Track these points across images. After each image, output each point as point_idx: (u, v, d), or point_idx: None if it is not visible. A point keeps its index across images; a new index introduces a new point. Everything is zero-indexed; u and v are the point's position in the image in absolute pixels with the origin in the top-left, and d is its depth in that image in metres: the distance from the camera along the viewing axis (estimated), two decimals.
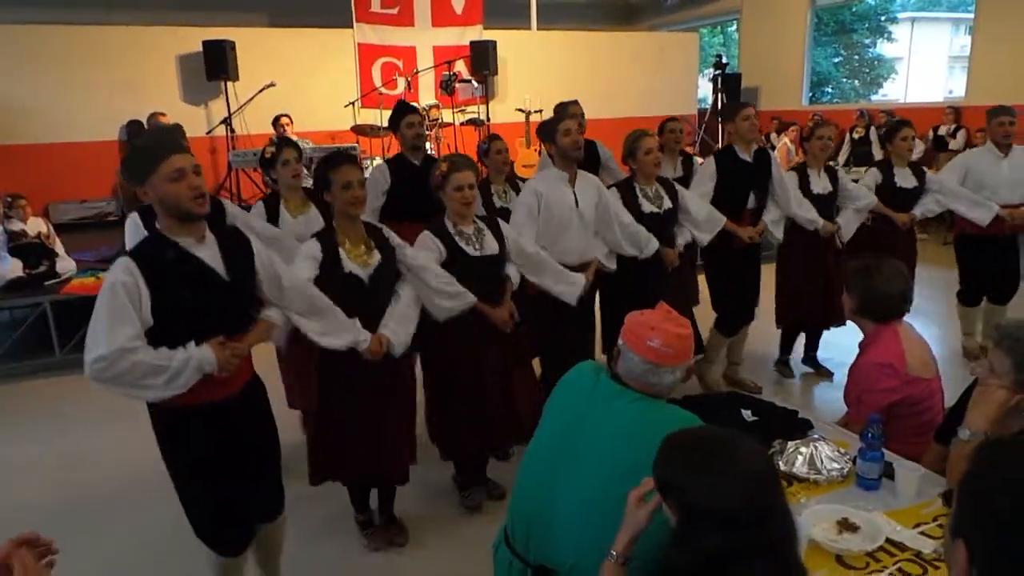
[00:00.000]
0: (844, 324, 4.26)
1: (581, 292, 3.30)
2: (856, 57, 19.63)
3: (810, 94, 13.73)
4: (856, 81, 19.51)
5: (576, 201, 3.42)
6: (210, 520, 2.23)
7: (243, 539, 2.34)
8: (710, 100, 11.38)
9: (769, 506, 1.28)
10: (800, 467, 2.11)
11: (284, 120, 7.54)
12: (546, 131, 3.44)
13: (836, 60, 19.35)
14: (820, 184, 4.19)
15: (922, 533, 1.81)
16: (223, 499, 2.20)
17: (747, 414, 2.38)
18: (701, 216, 3.82)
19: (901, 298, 2.45)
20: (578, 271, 3.38)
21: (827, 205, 4.20)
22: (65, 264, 5.42)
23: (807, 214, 4.08)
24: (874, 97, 18.36)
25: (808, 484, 2.07)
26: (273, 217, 3.43)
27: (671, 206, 3.72)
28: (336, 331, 2.51)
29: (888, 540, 1.77)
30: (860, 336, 2.40)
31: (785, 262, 4.32)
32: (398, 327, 2.69)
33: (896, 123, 4.51)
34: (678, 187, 3.84)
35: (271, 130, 7.79)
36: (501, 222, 3.15)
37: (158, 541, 3.04)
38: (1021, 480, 0.93)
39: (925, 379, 2.32)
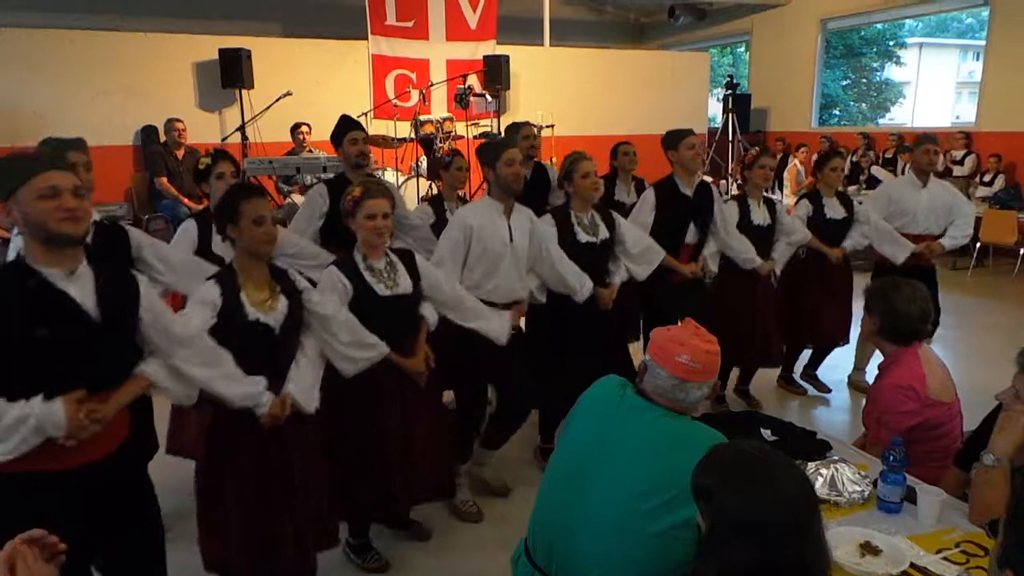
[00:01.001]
0: (776, 364, 4.43)
1: (508, 332, 3.01)
2: (864, 80, 19.75)
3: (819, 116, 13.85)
4: (864, 104, 19.62)
5: (511, 235, 3.13)
6: None
7: None
8: (720, 120, 11.43)
9: (802, 526, 1.28)
10: (821, 488, 2.10)
11: (303, 129, 7.59)
12: (487, 155, 3.13)
13: (844, 83, 19.47)
14: (833, 209, 4.26)
15: (945, 559, 1.80)
16: None
17: (767, 433, 2.38)
18: (637, 249, 3.59)
19: (922, 319, 2.45)
20: (507, 309, 3.12)
21: (767, 236, 4.11)
22: None
23: (745, 252, 3.97)
24: (881, 121, 18.44)
25: (829, 506, 2.07)
26: (205, 238, 2.99)
27: (607, 236, 3.46)
28: (236, 380, 2.15)
29: (912, 565, 1.77)
30: (850, 356, 2.40)
31: (720, 296, 4.12)
32: (305, 384, 2.34)
33: (825, 154, 4.48)
34: (616, 216, 3.59)
35: (285, 137, 7.85)
36: (418, 256, 2.85)
37: None
38: None
39: (945, 403, 2.32)
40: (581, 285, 3.33)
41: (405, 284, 2.70)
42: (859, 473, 2.14)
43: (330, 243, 3.37)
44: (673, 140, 3.79)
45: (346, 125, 3.59)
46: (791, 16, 11.63)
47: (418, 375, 2.72)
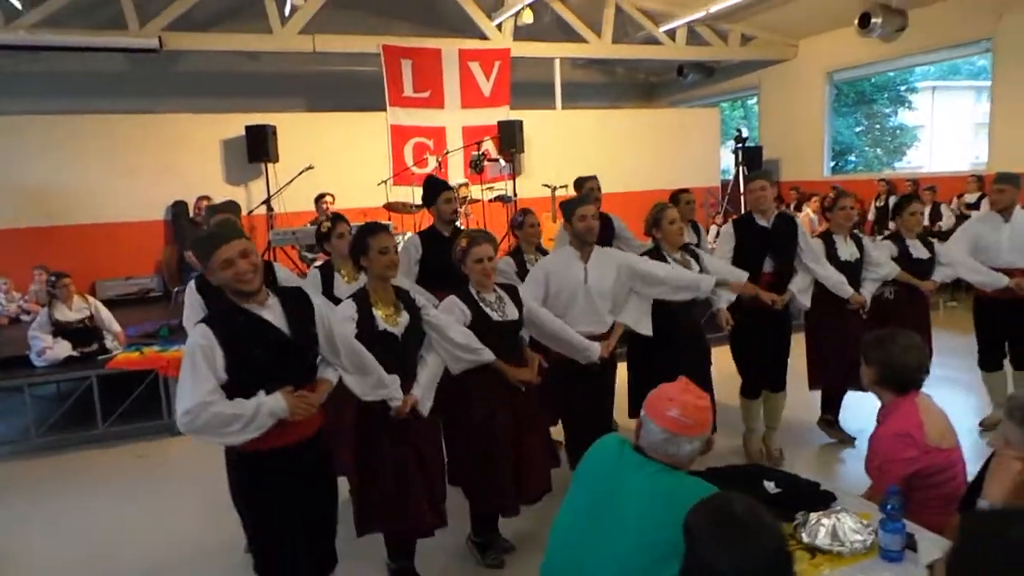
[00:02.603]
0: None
1: (596, 358, 3.46)
2: (878, 126, 19.89)
3: (833, 163, 13.92)
4: (879, 149, 19.71)
5: (585, 277, 3.58)
6: (276, 567, 2.43)
7: None
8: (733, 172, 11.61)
9: None
10: (823, 539, 2.15)
11: (327, 199, 7.88)
12: (566, 211, 3.66)
13: (858, 129, 19.63)
14: (847, 251, 4.31)
15: None
16: (291, 546, 2.41)
17: (770, 486, 2.43)
18: (722, 273, 3.96)
19: (918, 368, 2.51)
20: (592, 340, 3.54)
21: (854, 272, 4.30)
22: (114, 343, 5.65)
23: (837, 279, 4.18)
24: (898, 164, 18.48)
25: (831, 556, 2.11)
26: (328, 283, 3.72)
27: (698, 269, 3.89)
28: (375, 388, 2.72)
29: None
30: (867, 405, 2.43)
31: (813, 327, 4.40)
32: (426, 391, 2.92)
33: (904, 197, 4.63)
34: (699, 251, 4.06)
35: (308, 207, 8.15)
36: (520, 290, 3.38)
37: None
38: (1012, 550, 0.99)
39: (944, 450, 2.36)
40: (700, 282, 3.74)
41: (512, 312, 3.21)
42: (861, 522, 2.18)
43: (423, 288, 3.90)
44: (745, 184, 4.25)
45: (440, 187, 4.28)
46: (798, 70, 11.90)
47: (525, 380, 3.17)
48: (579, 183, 4.88)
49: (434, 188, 4.27)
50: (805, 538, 2.17)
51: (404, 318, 2.89)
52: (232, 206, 3.80)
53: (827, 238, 4.36)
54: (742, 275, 4.04)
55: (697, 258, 3.96)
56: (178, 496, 4.34)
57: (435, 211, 4.25)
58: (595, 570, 1.81)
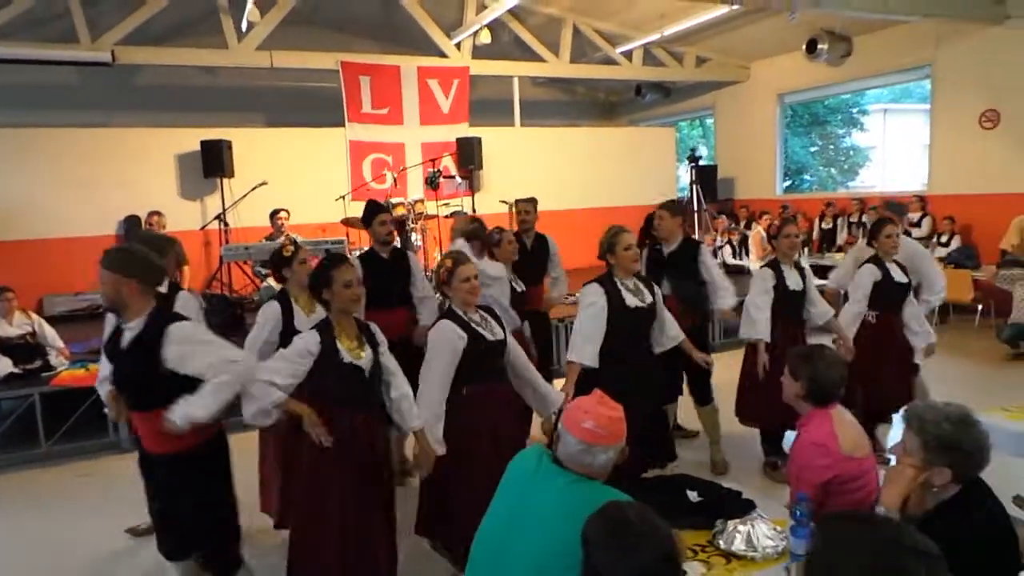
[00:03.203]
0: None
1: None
2: (831, 147, 20.49)
3: (788, 183, 14.27)
4: (832, 169, 20.29)
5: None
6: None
7: None
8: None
9: None
10: (739, 545, 2.25)
11: (282, 215, 7.87)
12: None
13: (813, 150, 20.20)
14: (793, 279, 4.24)
15: None
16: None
17: (693, 495, 2.52)
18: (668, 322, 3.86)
19: (839, 384, 2.63)
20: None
21: (801, 302, 4.25)
22: (59, 359, 5.54)
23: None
24: (852, 184, 19.03)
25: (745, 561, 2.21)
26: (288, 316, 3.45)
27: (652, 300, 3.70)
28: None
29: None
30: None
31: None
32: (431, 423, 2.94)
33: (878, 221, 4.51)
34: (654, 285, 3.86)
35: (265, 223, 8.12)
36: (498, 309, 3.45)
37: None
38: (860, 552, 1.07)
39: (857, 459, 2.47)
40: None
41: (498, 332, 3.16)
42: (775, 529, 2.29)
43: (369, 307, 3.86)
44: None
45: (376, 210, 4.38)
46: (750, 91, 12.25)
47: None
48: (516, 203, 5.22)
49: (370, 211, 4.39)
50: (722, 544, 2.27)
51: (368, 352, 2.88)
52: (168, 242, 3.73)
53: (775, 266, 4.26)
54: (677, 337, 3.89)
55: (652, 290, 3.76)
56: (122, 516, 4.26)
57: (371, 232, 4.37)
58: (507, 572, 1.87)
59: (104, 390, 2.94)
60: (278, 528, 3.61)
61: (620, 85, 13.66)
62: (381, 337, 3.00)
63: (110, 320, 2.90)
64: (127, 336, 2.58)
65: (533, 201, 5.25)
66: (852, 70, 10.33)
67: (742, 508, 2.47)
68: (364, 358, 2.84)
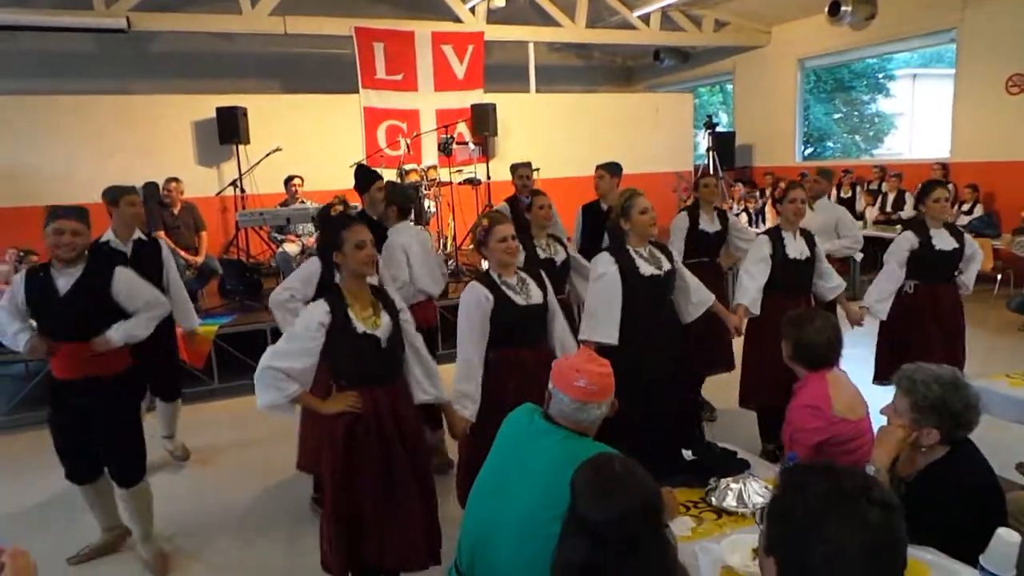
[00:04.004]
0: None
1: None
2: (856, 114, 20.09)
3: (810, 150, 14.01)
4: (857, 136, 19.91)
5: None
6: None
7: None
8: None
9: (633, 542, 1.46)
10: (730, 502, 2.29)
11: (296, 181, 7.92)
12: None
13: (836, 116, 19.81)
14: (796, 248, 3.96)
15: None
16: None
17: (687, 454, 2.57)
18: (693, 288, 3.62)
19: (828, 348, 2.65)
20: None
21: (805, 272, 3.99)
22: None
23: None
24: (876, 152, 18.68)
25: (736, 517, 2.25)
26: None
27: (670, 268, 3.48)
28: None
29: None
30: None
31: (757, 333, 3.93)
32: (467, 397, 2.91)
33: (927, 184, 4.17)
34: (674, 253, 3.64)
35: (280, 189, 8.19)
36: (543, 273, 3.20)
37: None
38: (815, 499, 1.10)
39: (852, 421, 2.50)
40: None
41: (537, 295, 3.07)
42: (766, 487, 2.32)
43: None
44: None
45: (372, 176, 4.35)
46: (771, 57, 12.02)
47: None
48: (512, 169, 5.21)
49: (366, 178, 4.32)
50: (714, 501, 2.32)
51: (385, 319, 2.65)
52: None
53: (774, 234, 3.99)
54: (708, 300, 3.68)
55: (671, 257, 3.53)
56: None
57: (367, 199, 4.31)
58: (502, 526, 1.93)
59: (23, 339, 3.16)
60: (299, 469, 3.81)
61: (638, 50, 13.46)
62: (401, 303, 2.82)
63: (17, 280, 3.27)
64: (65, 281, 3.10)
65: (529, 165, 5.32)
66: (876, 34, 10.10)
67: (736, 467, 2.50)
68: (381, 326, 2.62)
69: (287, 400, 2.54)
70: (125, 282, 3.22)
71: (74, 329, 3.12)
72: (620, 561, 1.43)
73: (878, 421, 2.24)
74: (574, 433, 1.98)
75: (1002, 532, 1.69)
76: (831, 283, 4.11)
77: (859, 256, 6.71)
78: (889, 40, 10.25)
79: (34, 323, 3.22)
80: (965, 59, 9.14)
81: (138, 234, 4.35)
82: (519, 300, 2.99)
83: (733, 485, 2.32)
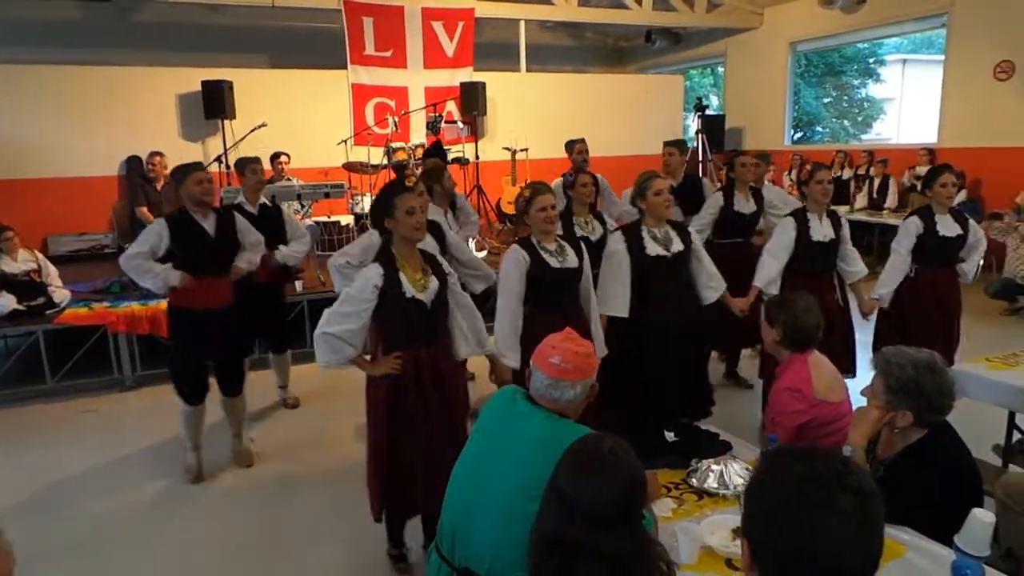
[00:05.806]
0: None
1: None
2: (846, 98, 20.09)
3: (800, 134, 14.02)
4: (846, 121, 19.93)
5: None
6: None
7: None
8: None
9: (607, 521, 1.46)
10: (711, 483, 2.31)
11: (283, 158, 7.84)
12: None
13: (826, 101, 19.81)
14: (821, 231, 3.97)
15: None
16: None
17: (669, 435, 2.58)
18: (708, 273, 3.72)
19: (816, 327, 2.66)
20: None
21: (829, 254, 4.02)
22: (62, 294, 5.60)
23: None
24: (866, 136, 18.71)
25: (717, 498, 2.27)
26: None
27: (681, 248, 3.59)
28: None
29: None
30: None
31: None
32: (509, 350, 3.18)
33: (934, 168, 4.20)
34: (692, 236, 3.75)
35: (267, 166, 8.09)
36: (582, 244, 3.46)
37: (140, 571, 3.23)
38: (787, 483, 1.09)
39: (832, 403, 2.52)
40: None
41: (572, 261, 3.33)
42: (747, 468, 2.34)
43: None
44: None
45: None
46: (762, 39, 11.97)
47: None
48: (569, 145, 5.43)
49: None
50: (695, 483, 2.34)
51: (433, 284, 2.82)
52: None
53: (799, 216, 4.00)
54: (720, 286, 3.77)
55: (688, 239, 3.63)
56: (127, 449, 4.41)
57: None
58: (482, 507, 1.93)
59: (174, 275, 3.70)
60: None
61: (630, 31, 13.35)
62: (449, 268, 3.00)
63: (160, 231, 3.72)
64: (209, 224, 3.77)
65: (583, 141, 5.74)
66: (867, 18, 10.07)
67: (718, 449, 2.52)
68: (428, 290, 2.78)
69: (343, 361, 2.76)
70: (241, 222, 4.04)
71: (218, 262, 3.85)
72: (591, 537, 1.44)
73: (859, 403, 2.27)
74: (554, 414, 1.98)
75: (977, 512, 1.71)
76: (853, 267, 4.15)
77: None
78: (880, 24, 10.24)
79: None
80: (955, 44, 9.14)
81: (263, 199, 4.90)
82: (553, 262, 3.26)
83: (715, 467, 2.34)
